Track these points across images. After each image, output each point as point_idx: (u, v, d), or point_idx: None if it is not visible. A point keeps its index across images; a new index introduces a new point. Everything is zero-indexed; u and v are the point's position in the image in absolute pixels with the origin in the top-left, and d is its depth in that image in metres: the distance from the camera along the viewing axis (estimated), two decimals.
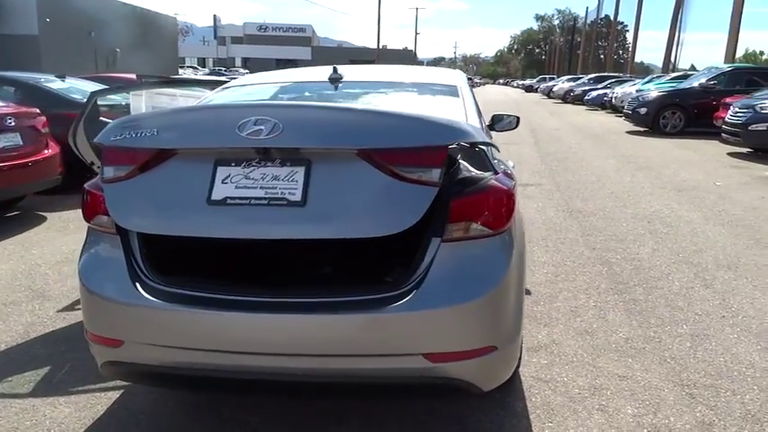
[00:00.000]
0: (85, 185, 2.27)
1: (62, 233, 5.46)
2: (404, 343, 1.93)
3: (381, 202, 1.91)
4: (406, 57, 70.61)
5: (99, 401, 2.66)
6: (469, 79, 3.79)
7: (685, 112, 14.77)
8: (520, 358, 2.49)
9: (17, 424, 2.50)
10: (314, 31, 78.15)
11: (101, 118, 3.69)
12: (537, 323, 3.48)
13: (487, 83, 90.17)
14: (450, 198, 1.97)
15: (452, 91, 2.85)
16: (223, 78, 4.53)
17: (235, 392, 2.51)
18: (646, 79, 23.21)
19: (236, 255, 2.42)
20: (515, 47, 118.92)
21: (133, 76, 10.74)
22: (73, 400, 2.67)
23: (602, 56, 63.79)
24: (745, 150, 11.36)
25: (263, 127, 1.88)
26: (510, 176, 2.25)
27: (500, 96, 41.40)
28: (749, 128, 10.47)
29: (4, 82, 7.61)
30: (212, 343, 1.98)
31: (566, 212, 6.34)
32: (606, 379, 2.85)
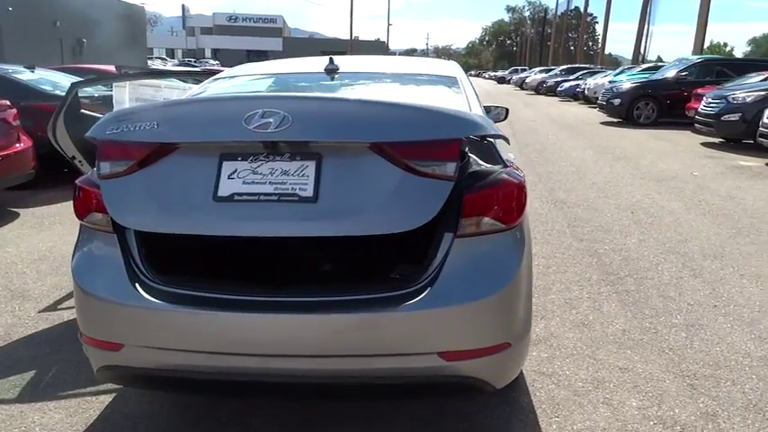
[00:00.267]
0: (77, 181, 2.15)
1: (37, 230, 5.27)
2: (418, 341, 1.88)
3: (396, 198, 1.85)
4: (379, 48, 70.30)
5: (91, 405, 2.55)
6: None
7: (658, 103, 15.00)
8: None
9: None
10: (285, 21, 77.20)
11: (82, 110, 3.55)
12: (534, 316, 3.43)
13: None
14: (464, 192, 1.92)
15: (452, 82, 2.79)
16: (214, 68, 4.39)
17: (242, 396, 2.43)
18: (617, 70, 23.53)
19: (237, 252, 2.33)
20: (487, 38, 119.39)
21: (105, 67, 10.46)
22: (63, 405, 2.56)
23: (572, 47, 64.51)
24: (717, 140, 11.59)
25: (271, 120, 1.80)
26: (518, 169, 2.21)
27: None
28: (722, 118, 10.67)
29: None
30: (218, 345, 1.90)
31: (550, 204, 6.36)
32: (608, 371, 2.85)
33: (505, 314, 1.97)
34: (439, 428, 2.40)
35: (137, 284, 1.93)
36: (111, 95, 5.33)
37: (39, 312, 3.51)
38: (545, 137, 12.54)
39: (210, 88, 2.82)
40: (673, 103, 14.64)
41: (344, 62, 2.89)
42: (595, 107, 18.97)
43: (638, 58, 32.64)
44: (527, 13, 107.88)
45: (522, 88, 37.26)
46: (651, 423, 2.45)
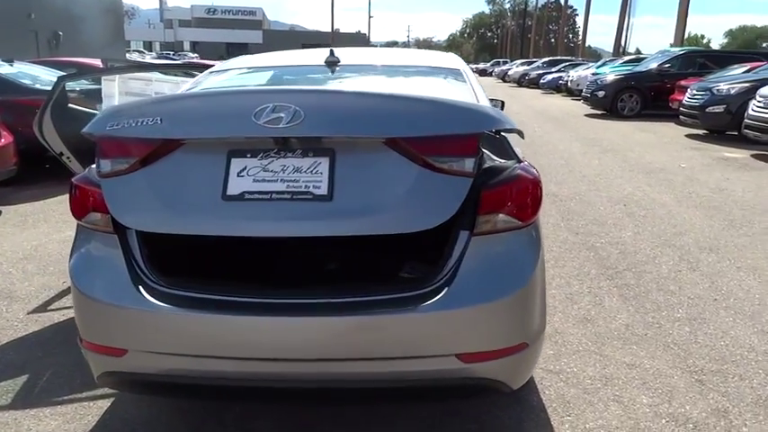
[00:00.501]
0: (73, 180, 2.05)
1: (20, 228, 5.11)
2: (436, 343, 1.82)
3: (413, 195, 1.78)
4: (360, 40, 69.94)
5: (88, 411, 2.46)
6: None
7: (642, 95, 15.09)
8: None
9: None
10: (264, 14, 76.40)
11: (70, 105, 3.43)
12: None
13: None
14: (480, 189, 1.86)
15: (457, 74, 2.73)
16: (196, 61, 4.27)
17: (250, 402, 2.35)
18: (599, 63, 23.63)
19: (243, 252, 2.24)
20: (467, 31, 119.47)
21: (88, 60, 10.20)
22: (59, 411, 2.46)
23: (553, 40, 64.81)
24: (701, 132, 11.68)
25: (282, 114, 1.72)
26: (531, 164, 2.15)
27: None
28: (706, 110, 10.76)
29: None
30: (226, 350, 1.82)
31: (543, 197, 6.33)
32: (615, 368, 2.82)
33: (523, 314, 1.92)
34: (447, 430, 2.35)
35: (140, 287, 1.84)
36: (94, 90, 5.20)
37: (28, 314, 3.38)
38: (531, 129, 12.52)
39: (207, 82, 2.72)
40: (656, 95, 14.75)
41: (344, 54, 2.81)
42: (578, 99, 19.06)
43: (618, 50, 32.87)
44: (507, 6, 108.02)
45: (505, 81, 37.35)
46: (663, 421, 2.42)
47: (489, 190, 1.87)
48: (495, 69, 47.26)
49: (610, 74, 16.77)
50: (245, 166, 1.79)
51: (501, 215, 1.89)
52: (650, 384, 2.68)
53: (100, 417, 2.42)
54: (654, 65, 15.68)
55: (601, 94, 15.38)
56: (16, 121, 6.18)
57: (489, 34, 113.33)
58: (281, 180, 1.77)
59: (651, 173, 7.72)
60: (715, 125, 10.93)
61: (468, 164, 1.79)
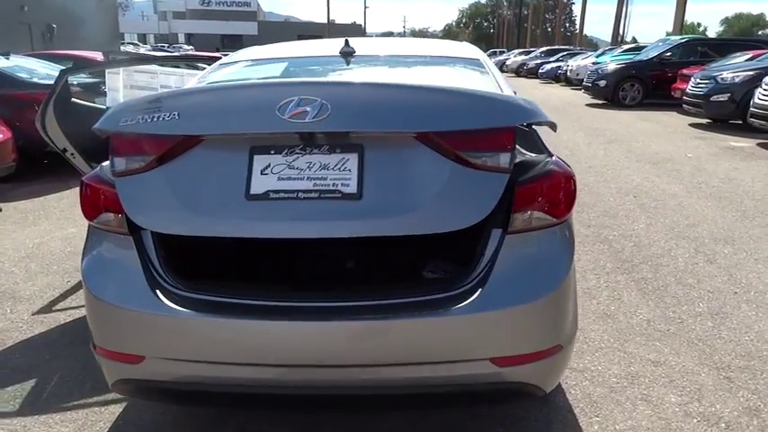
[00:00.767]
0: (84, 179, 1.95)
1: (21, 225, 5.00)
2: (470, 347, 1.74)
3: (448, 193, 1.69)
4: (355, 31, 69.53)
5: (100, 417, 2.38)
6: None
7: (643, 84, 14.98)
8: None
9: None
10: (259, 5, 75.78)
11: (73, 99, 3.32)
12: None
13: None
14: (514, 184, 1.77)
15: (478, 64, 2.63)
16: (191, 53, 4.15)
17: (275, 410, 2.26)
18: (599, 52, 23.50)
19: (262, 252, 2.14)
20: (464, 21, 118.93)
21: (85, 53, 10.03)
22: (69, 418, 2.38)
23: (549, 29, 64.52)
24: (704, 121, 11.60)
25: (308, 108, 1.62)
26: (561, 159, 2.07)
27: None
28: (710, 99, 10.66)
29: None
30: (249, 356, 1.73)
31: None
32: (640, 365, 2.75)
33: (558, 315, 1.84)
34: None
35: (157, 291, 1.75)
36: (93, 83, 5.08)
37: (33, 315, 3.29)
38: None
39: (218, 74, 2.61)
40: (657, 84, 14.64)
41: (359, 45, 2.71)
42: (578, 89, 18.94)
43: (617, 38, 32.71)
44: None
45: (502, 70, 37.09)
46: (695, 421, 2.35)
47: (523, 186, 1.79)
48: (493, 59, 46.98)
49: (611, 63, 16.64)
50: (269, 163, 1.70)
51: (536, 212, 1.81)
52: (677, 382, 2.61)
53: (113, 423, 2.34)
54: (655, 53, 15.56)
55: (602, 83, 15.26)
56: (14, 116, 6.07)
57: (485, 24, 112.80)
58: (308, 178, 1.67)
59: (658, 163, 7.64)
60: (719, 114, 10.84)
61: (504, 159, 1.70)
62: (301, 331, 1.69)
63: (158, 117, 1.69)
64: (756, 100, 8.97)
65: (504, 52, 49.69)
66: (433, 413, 2.37)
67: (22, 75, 6.99)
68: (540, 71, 27.42)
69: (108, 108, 2.39)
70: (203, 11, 68.73)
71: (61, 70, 3.14)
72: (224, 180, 1.72)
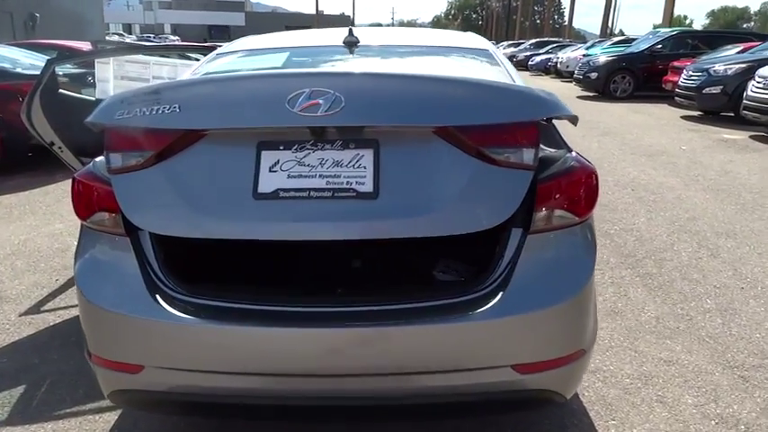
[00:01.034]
0: (76, 175, 1.82)
1: (5, 221, 4.83)
2: (491, 354, 1.64)
3: (469, 191, 1.59)
4: (344, 22, 69.00)
5: (94, 426, 2.26)
6: None
7: (634, 77, 14.95)
8: None
9: None
10: None
11: (61, 90, 3.17)
12: None
13: None
14: (536, 181, 1.67)
15: (487, 55, 2.52)
16: (178, 43, 4.01)
17: (283, 421, 2.15)
18: (588, 44, 23.46)
19: (266, 254, 2.02)
20: (452, 12, 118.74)
21: (70, 43, 9.80)
22: (62, 427, 2.26)
23: (538, 21, 64.50)
24: (696, 113, 11.59)
25: (320, 101, 1.51)
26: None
27: None
28: (703, 91, 10.64)
29: None
30: (256, 365, 1.63)
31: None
32: (653, 365, 2.67)
33: (582, 318, 1.75)
34: None
35: (157, 296, 1.64)
36: (81, 74, 4.92)
37: (20, 316, 3.16)
38: None
39: (216, 64, 2.48)
40: (648, 77, 14.61)
41: (362, 35, 2.58)
42: (569, 81, 18.91)
43: (606, 31, 32.73)
44: None
45: None
46: (713, 423, 2.28)
47: (545, 183, 1.69)
48: None
49: (601, 55, 16.60)
50: (278, 159, 1.58)
51: (558, 210, 1.71)
52: (692, 383, 2.54)
53: None
54: (645, 46, 15.53)
55: (593, 75, 15.22)
56: None
57: (474, 16, 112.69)
58: (320, 175, 1.56)
59: (653, 156, 7.60)
60: (712, 106, 10.82)
61: (528, 155, 1.61)
62: (314, 339, 1.59)
63: (158, 110, 1.56)
64: (749, 92, 8.95)
65: (493, 44, 49.60)
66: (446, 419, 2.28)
67: (5, 65, 6.77)
68: (529, 63, 27.34)
69: (99, 100, 2.25)
70: (190, 1, 67.89)
71: (48, 60, 2.99)
72: (229, 178, 1.60)
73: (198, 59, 3.13)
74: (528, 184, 1.60)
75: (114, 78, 3.20)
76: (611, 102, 14.38)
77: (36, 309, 3.24)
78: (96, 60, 3.28)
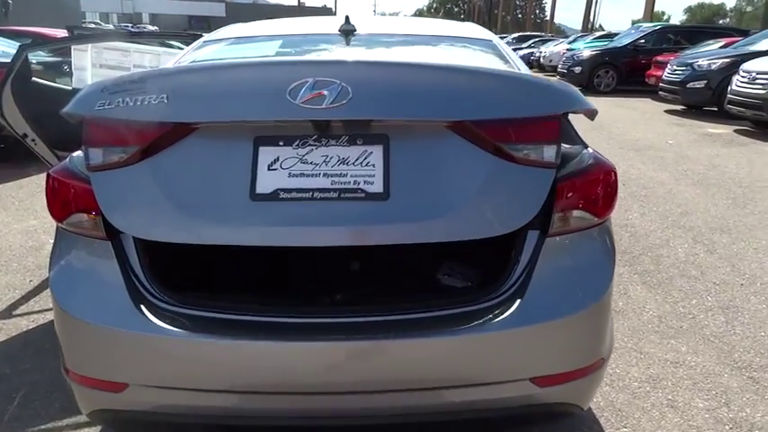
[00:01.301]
0: (51, 171, 1.64)
1: None
2: (509, 367, 1.52)
3: (488, 191, 1.46)
4: (325, 14, 68.38)
5: None
6: None
7: (617, 71, 15.01)
8: None
9: None
10: None
11: (34, 79, 2.98)
12: None
13: None
14: (556, 180, 1.55)
15: (491, 46, 2.38)
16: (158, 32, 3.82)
17: None
18: (571, 38, 23.51)
19: (261, 259, 1.86)
20: (435, 5, 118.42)
21: (45, 30, 9.44)
22: None
23: (520, 15, 64.66)
24: (679, 108, 11.62)
25: (325, 92, 1.36)
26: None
27: None
28: (687, 86, 10.67)
29: None
30: (254, 382, 1.49)
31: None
32: (660, 367, 2.58)
33: (603, 326, 1.64)
34: None
35: (142, 306, 1.48)
36: (55, 63, 4.68)
37: None
38: None
39: (203, 53, 2.31)
40: (631, 71, 14.68)
41: (359, 23, 2.43)
42: (552, 75, 18.88)
43: (587, 25, 32.87)
44: None
45: None
46: (727, 428, 2.19)
47: (565, 181, 1.56)
48: None
49: (585, 50, 16.62)
50: (278, 156, 1.43)
51: (577, 211, 1.59)
52: (701, 385, 2.45)
53: None
54: (628, 40, 15.58)
55: (577, 69, 15.23)
56: None
57: (456, 9, 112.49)
58: (324, 174, 1.42)
59: (641, 150, 7.56)
60: (696, 101, 10.85)
61: (549, 152, 1.48)
62: (319, 353, 1.45)
63: (143, 100, 1.40)
64: (734, 87, 8.97)
65: None
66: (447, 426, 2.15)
67: None
68: None
69: (77, 89, 2.08)
70: None
71: (20, 46, 2.80)
72: (223, 177, 1.45)
73: (182, 48, 2.95)
74: (550, 183, 1.48)
75: (92, 66, 3.01)
76: (595, 96, 14.35)
77: (8, 313, 3.04)
78: (73, 47, 3.09)
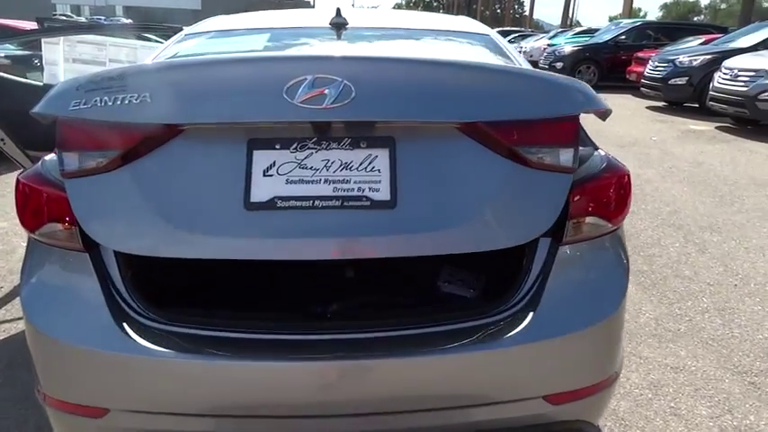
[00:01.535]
0: (20, 177, 1.50)
1: None
2: (521, 384, 1.43)
3: (503, 199, 1.36)
4: (305, 7, 67.90)
5: None
6: None
7: (599, 67, 15.06)
8: None
9: None
10: None
11: (1, 74, 2.80)
12: None
13: None
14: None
15: (489, 41, 2.28)
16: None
17: None
18: (551, 34, 23.59)
19: (254, 271, 1.73)
20: (413, 1, 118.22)
21: (11, 22, 9.12)
22: None
23: (499, 11, 64.86)
24: (661, 104, 11.68)
25: (326, 90, 1.25)
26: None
27: None
28: (669, 82, 10.72)
29: None
30: (250, 404, 1.37)
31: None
32: (660, 373, 2.52)
33: (618, 339, 1.55)
34: None
35: (124, 324, 1.35)
36: (24, 56, 4.48)
37: None
38: None
39: (184, 46, 2.16)
40: (612, 67, 14.74)
41: (350, 16, 2.30)
42: None
43: (566, 21, 33.04)
44: None
45: None
46: None
47: (580, 186, 1.47)
48: None
49: (566, 45, 16.66)
50: (274, 161, 1.31)
51: (590, 218, 1.50)
52: (703, 392, 2.40)
53: None
54: (609, 36, 15.64)
55: (559, 65, 15.24)
56: None
57: (435, 4, 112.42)
58: (325, 180, 1.30)
59: (625, 146, 7.56)
60: (677, 97, 10.92)
61: (567, 155, 1.39)
62: (313, 372, 1.34)
63: (124, 99, 1.27)
64: (716, 84, 9.02)
65: None
66: None
67: None
68: None
69: (48, 85, 1.93)
70: None
71: None
72: (214, 184, 1.32)
73: (161, 42, 2.80)
74: (568, 189, 1.39)
75: (65, 61, 2.84)
76: None
77: None
78: (43, 40, 2.91)
